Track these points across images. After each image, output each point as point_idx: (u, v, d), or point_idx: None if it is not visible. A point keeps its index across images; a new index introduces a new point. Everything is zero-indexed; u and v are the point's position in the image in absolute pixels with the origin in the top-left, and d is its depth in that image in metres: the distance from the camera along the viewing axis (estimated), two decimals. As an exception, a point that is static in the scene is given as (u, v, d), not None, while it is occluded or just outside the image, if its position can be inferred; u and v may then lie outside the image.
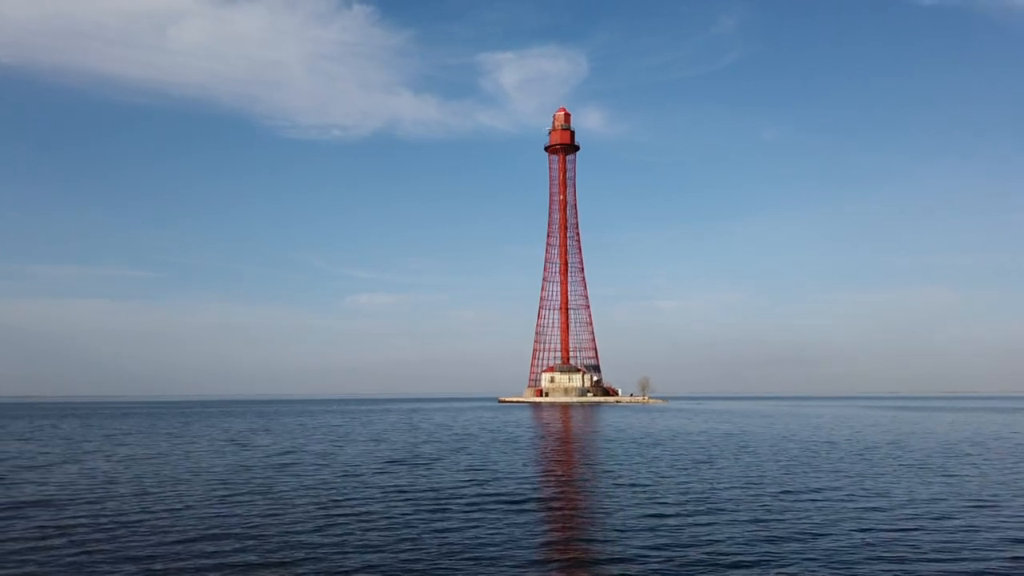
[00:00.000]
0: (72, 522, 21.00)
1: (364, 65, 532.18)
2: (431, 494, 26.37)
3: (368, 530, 19.77)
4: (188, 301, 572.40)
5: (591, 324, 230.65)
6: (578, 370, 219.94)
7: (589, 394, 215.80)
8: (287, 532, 19.50)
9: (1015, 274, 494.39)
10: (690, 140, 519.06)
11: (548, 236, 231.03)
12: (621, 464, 36.38)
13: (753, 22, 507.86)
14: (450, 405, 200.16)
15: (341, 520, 21.24)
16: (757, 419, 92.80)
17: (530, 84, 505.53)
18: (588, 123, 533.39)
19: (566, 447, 47.81)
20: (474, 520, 21.20)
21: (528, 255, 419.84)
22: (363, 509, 23.10)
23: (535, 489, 27.67)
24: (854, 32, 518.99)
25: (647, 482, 29.34)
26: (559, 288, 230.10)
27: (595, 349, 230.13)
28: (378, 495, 26.26)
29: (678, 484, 28.67)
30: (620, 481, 29.64)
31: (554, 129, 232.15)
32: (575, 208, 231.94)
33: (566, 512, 22.50)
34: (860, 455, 41.21)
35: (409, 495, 26.17)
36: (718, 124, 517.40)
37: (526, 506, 23.78)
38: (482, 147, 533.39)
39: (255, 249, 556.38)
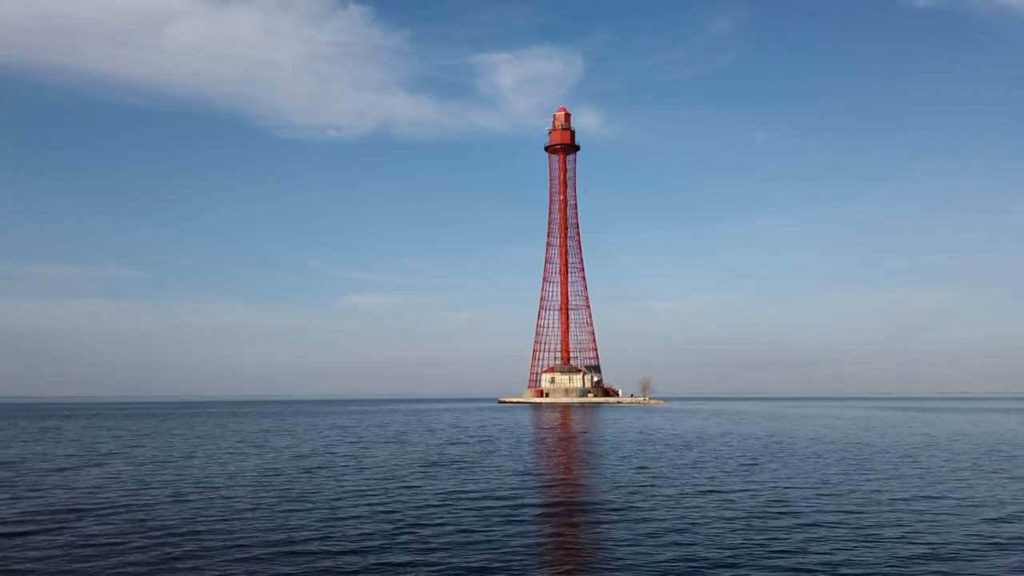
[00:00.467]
0: (124, 532, 19.36)
1: (360, 65, 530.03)
2: (493, 501, 24.79)
3: (458, 545, 18.17)
4: (184, 301, 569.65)
5: (591, 324, 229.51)
6: (579, 371, 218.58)
7: (590, 395, 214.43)
8: (369, 548, 17.85)
9: (1015, 274, 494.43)
10: (687, 141, 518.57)
11: (548, 236, 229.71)
12: (668, 466, 34.86)
13: (748, 23, 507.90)
14: (452, 406, 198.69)
15: (413, 530, 19.66)
16: (772, 421, 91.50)
17: (526, 85, 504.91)
18: (584, 124, 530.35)
19: (599, 450, 46.20)
20: (562, 531, 19.68)
21: (525, 256, 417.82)
22: (434, 521, 21.46)
23: (601, 495, 26.08)
24: (849, 33, 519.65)
25: (712, 487, 27.82)
26: (559, 288, 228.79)
27: (595, 350, 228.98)
28: (434, 501, 24.69)
29: (745, 491, 27.16)
30: (683, 488, 28.11)
31: (554, 129, 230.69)
32: (575, 208, 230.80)
33: (655, 521, 20.89)
34: (908, 458, 39.80)
35: (468, 502, 24.59)
36: (715, 125, 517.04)
37: (604, 515, 22.19)
38: (478, 148, 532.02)
39: (250, 249, 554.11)
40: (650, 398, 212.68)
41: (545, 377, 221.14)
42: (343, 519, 21.45)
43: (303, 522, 20.98)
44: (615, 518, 21.61)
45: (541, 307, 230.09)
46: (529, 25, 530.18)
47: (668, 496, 25.83)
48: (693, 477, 31.33)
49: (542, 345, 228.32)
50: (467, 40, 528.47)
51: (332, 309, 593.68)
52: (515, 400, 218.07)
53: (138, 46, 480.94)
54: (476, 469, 34.78)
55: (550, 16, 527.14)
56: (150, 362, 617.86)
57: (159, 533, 19.39)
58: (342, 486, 28.83)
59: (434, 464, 37.16)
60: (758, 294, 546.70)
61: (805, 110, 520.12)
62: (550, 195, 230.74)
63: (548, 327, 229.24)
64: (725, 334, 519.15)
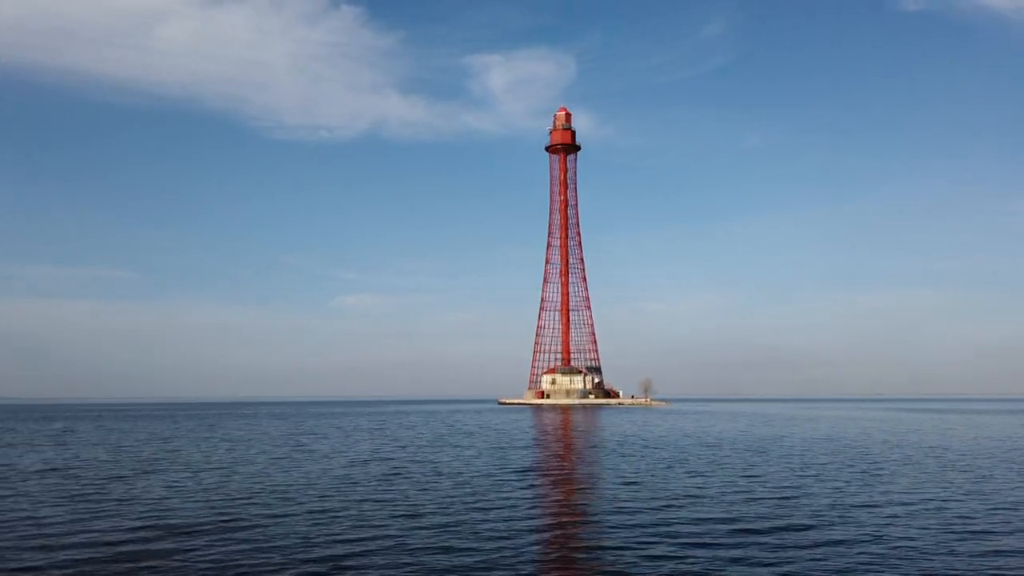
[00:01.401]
0: (256, 558, 16.44)
1: (352, 66, 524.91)
2: (626, 515, 22.00)
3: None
4: (179, 302, 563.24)
5: (592, 325, 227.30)
6: (579, 372, 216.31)
7: (591, 396, 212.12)
8: None
9: (1014, 275, 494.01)
10: (682, 142, 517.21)
11: (548, 236, 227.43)
12: (769, 473, 32.12)
13: (742, 24, 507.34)
14: (455, 407, 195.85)
15: (585, 555, 16.89)
16: (804, 423, 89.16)
17: (518, 86, 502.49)
18: (577, 125, 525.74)
19: (664, 455, 43.32)
20: (764, 556, 16.93)
21: (524, 256, 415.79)
22: (612, 543, 18.70)
23: (748, 510, 23.22)
24: (843, 34, 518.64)
25: (857, 501, 25.20)
26: (559, 289, 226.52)
27: (596, 351, 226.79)
28: (571, 518, 21.87)
29: (903, 504, 24.57)
30: (825, 502, 25.47)
31: (555, 129, 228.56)
32: (576, 208, 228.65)
33: (860, 547, 18.23)
34: (1014, 463, 37.31)
35: (611, 519, 21.78)
36: (711, 126, 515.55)
37: (793, 537, 19.46)
38: (471, 149, 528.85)
39: (246, 250, 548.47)
40: (651, 399, 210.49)
41: (546, 378, 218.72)
42: (499, 538, 18.53)
43: (464, 546, 18.05)
44: (810, 542, 18.86)
45: (541, 308, 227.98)
46: (521, 26, 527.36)
47: (825, 513, 23.15)
48: (817, 488, 28.58)
49: (542, 346, 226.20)
50: (459, 41, 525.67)
51: (329, 310, 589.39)
52: (516, 401, 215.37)
53: (132, 46, 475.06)
54: (570, 477, 31.99)
55: (543, 17, 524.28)
56: (146, 363, 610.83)
57: (295, 559, 16.45)
58: (446, 497, 25.99)
59: (517, 471, 34.32)
60: (756, 294, 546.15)
61: (802, 110, 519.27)
62: (550, 195, 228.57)
63: (548, 328, 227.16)
64: (724, 335, 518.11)
